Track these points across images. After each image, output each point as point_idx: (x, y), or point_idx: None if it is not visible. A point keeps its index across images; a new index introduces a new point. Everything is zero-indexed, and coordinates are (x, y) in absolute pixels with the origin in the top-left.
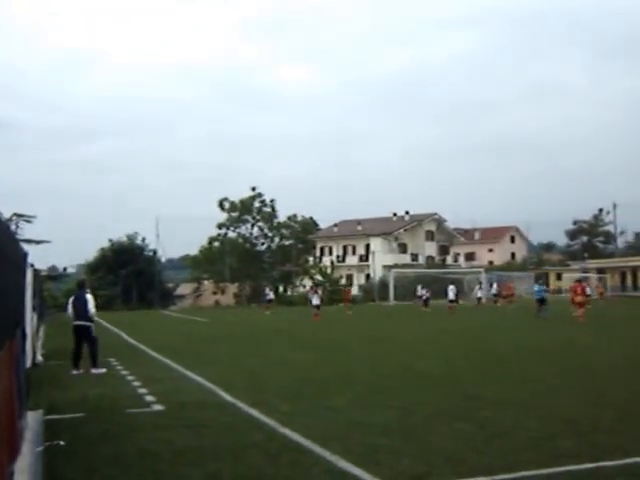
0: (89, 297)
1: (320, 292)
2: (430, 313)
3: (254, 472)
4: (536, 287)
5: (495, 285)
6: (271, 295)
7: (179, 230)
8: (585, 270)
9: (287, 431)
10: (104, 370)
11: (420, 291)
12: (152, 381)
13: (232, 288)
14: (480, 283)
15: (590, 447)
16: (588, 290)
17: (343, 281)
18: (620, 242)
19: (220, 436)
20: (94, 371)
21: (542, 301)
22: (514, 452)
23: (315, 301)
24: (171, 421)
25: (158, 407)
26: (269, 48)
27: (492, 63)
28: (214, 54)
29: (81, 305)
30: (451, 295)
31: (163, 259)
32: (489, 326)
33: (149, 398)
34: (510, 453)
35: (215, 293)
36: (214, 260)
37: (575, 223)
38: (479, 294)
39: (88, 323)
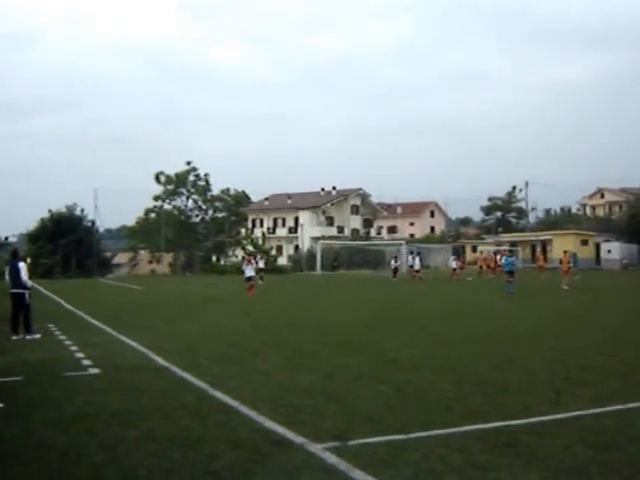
0: (22, 265)
1: (254, 263)
2: (394, 282)
3: (185, 432)
4: (504, 259)
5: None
6: (261, 264)
7: (117, 202)
8: (499, 243)
9: (217, 393)
10: (38, 335)
11: (393, 262)
12: (89, 346)
13: (167, 257)
14: (455, 255)
15: (498, 407)
16: (571, 262)
17: (273, 252)
18: (531, 217)
19: (153, 398)
20: (28, 337)
21: (511, 273)
22: (428, 412)
23: (249, 272)
24: (107, 384)
25: (95, 371)
26: (207, 28)
27: (418, 49)
28: (154, 33)
29: (15, 273)
30: (417, 265)
31: (101, 229)
32: (425, 295)
33: (86, 362)
34: (424, 413)
35: (151, 262)
36: (150, 231)
37: (490, 200)
38: (454, 265)
39: (21, 290)
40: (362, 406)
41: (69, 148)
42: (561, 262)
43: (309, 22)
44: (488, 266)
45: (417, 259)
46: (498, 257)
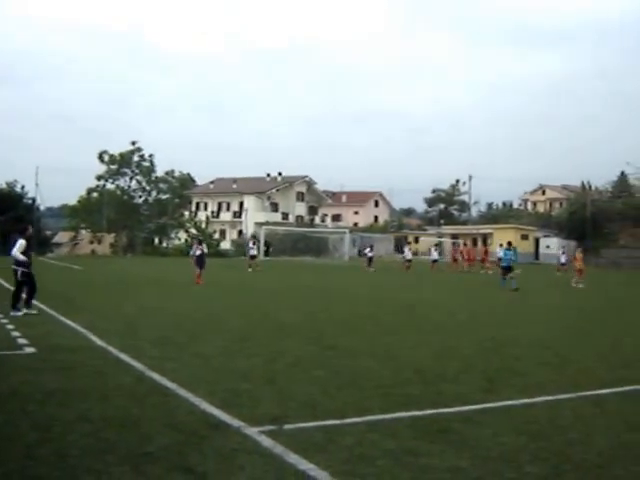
0: (19, 242)
1: (204, 247)
2: (367, 272)
3: (121, 413)
4: (502, 252)
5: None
6: (254, 250)
7: (59, 180)
8: (440, 235)
9: (155, 375)
10: (20, 313)
11: (368, 251)
12: (26, 325)
13: (109, 238)
14: (436, 245)
15: (434, 395)
16: (563, 259)
17: (217, 236)
18: (473, 211)
19: (89, 379)
20: (12, 313)
21: (509, 269)
22: (364, 398)
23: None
24: (42, 364)
25: (30, 350)
26: (158, 8)
27: (369, 39)
28: (104, 11)
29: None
30: (408, 255)
31: (42, 207)
32: (381, 285)
33: (22, 341)
34: (361, 399)
35: (92, 242)
36: (92, 210)
37: (434, 192)
38: (435, 256)
39: (14, 266)
40: (299, 391)
41: (11, 124)
42: (575, 259)
43: (264, 8)
44: (467, 258)
45: (407, 248)
46: (497, 249)
